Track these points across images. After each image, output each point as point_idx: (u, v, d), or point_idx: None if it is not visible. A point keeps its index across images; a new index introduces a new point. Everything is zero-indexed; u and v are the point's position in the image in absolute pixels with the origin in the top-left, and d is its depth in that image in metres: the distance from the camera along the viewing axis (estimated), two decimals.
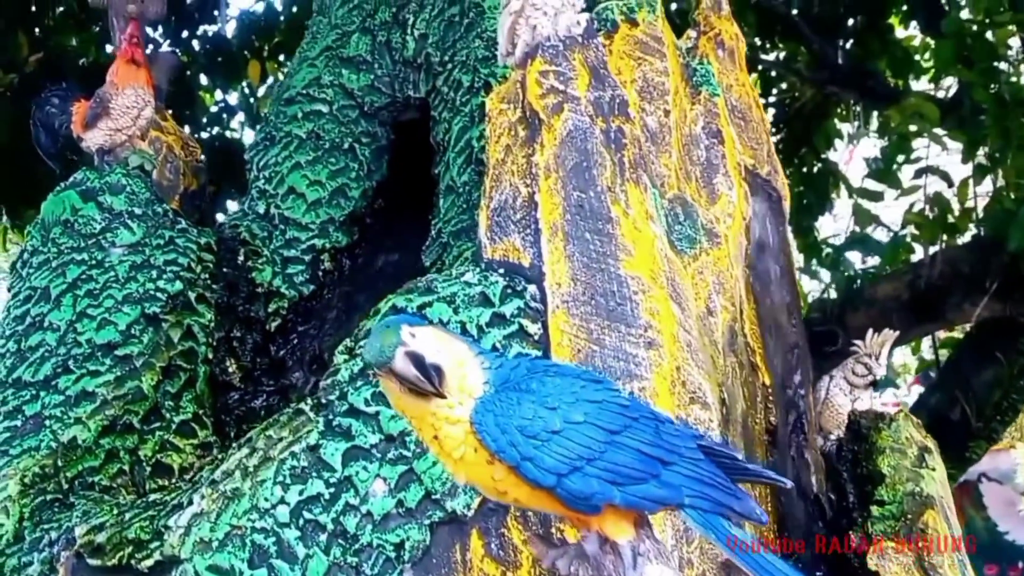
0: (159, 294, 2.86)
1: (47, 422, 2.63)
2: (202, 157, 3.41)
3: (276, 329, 3.07)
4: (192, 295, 2.91)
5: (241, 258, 3.05)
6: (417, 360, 1.46)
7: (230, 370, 2.96)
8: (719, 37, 3.20)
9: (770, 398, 2.66)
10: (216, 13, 8.69)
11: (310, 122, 3.24)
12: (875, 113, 6.39)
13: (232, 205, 7.23)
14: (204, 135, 8.33)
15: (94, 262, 2.87)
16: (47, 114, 3.18)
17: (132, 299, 2.83)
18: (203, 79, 8.76)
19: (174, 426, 2.76)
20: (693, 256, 2.56)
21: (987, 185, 5.01)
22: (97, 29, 7.67)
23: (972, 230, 4.91)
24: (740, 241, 2.76)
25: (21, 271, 2.93)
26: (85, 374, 2.71)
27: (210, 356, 2.91)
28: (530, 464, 1.49)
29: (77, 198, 2.94)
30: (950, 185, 5.02)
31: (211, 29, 8.86)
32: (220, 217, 5.36)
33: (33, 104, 3.27)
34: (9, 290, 2.94)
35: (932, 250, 4.77)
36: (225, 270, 3.02)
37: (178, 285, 2.89)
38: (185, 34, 8.89)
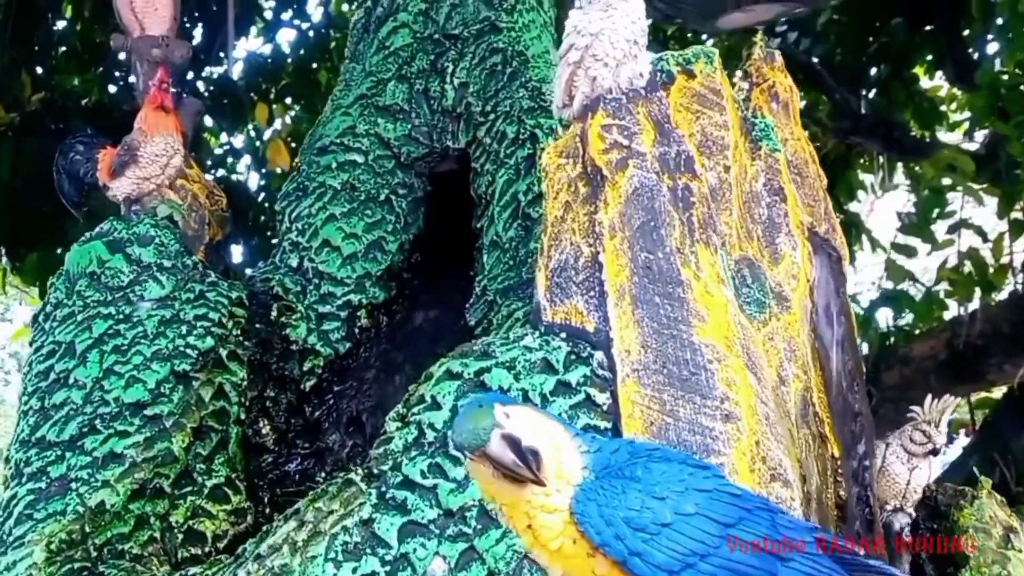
0: (189, 351, 2.75)
1: (73, 484, 2.51)
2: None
3: (311, 389, 2.95)
4: (224, 352, 2.80)
5: (274, 314, 2.94)
6: (514, 444, 1.35)
7: (263, 432, 2.84)
8: (773, 89, 3.12)
9: (839, 470, 2.55)
10: (223, 56, 8.67)
11: (345, 172, 3.14)
12: (899, 165, 6.35)
13: (236, 249, 7.14)
14: (208, 178, 8.19)
15: (121, 316, 2.75)
16: (71, 161, 3.07)
17: (161, 356, 2.72)
18: (208, 121, 8.73)
19: (206, 491, 2.63)
20: (763, 321, 2.47)
21: None
22: (100, 70, 7.62)
23: (1009, 287, 4.83)
24: (805, 304, 2.66)
25: (44, 324, 2.81)
26: (113, 434, 2.58)
27: (242, 416, 2.78)
28: (638, 560, 1.39)
29: (104, 249, 2.82)
30: (985, 240, 4.95)
31: (217, 71, 8.84)
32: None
33: (57, 151, 3.16)
34: (31, 344, 2.81)
35: (971, 307, 4.69)
36: (258, 326, 2.90)
37: (209, 341, 2.77)
38: (191, 75, 8.85)
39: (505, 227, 2.92)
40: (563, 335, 2.29)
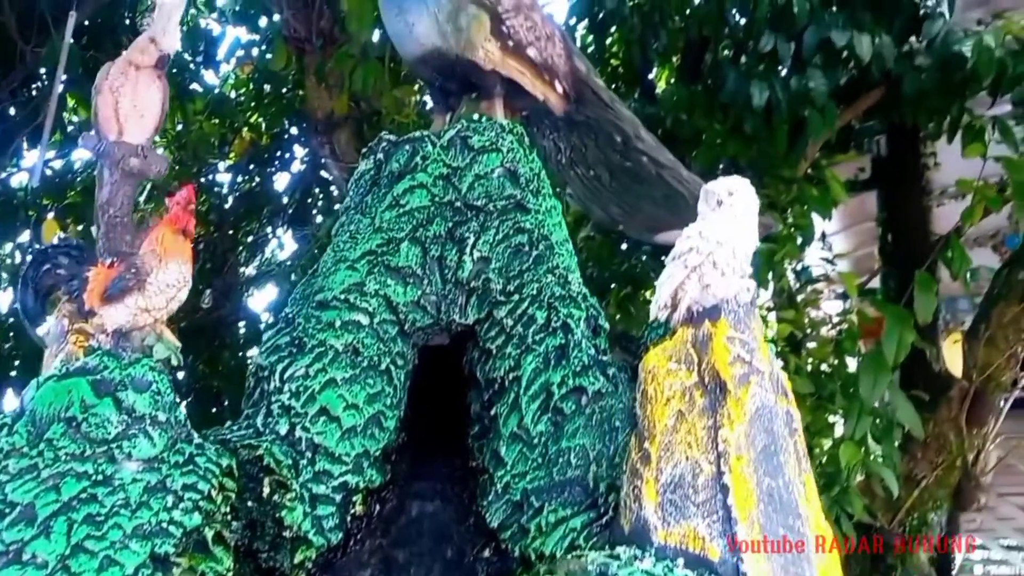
0: (173, 528, 2.21)
1: None
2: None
3: None
4: (209, 533, 2.27)
5: (266, 490, 2.41)
6: None
7: None
8: None
9: None
10: (13, 162, 7.96)
11: (349, 333, 2.73)
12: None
13: None
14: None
15: (101, 477, 2.17)
16: (47, 274, 2.46)
17: (142, 532, 2.16)
18: None
19: None
20: None
21: None
22: None
23: None
24: None
25: None
26: None
27: None
28: None
29: (89, 390, 2.25)
30: None
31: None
32: None
33: (30, 258, 2.53)
34: None
35: None
36: (249, 504, 2.38)
37: (196, 518, 2.25)
38: None
39: (534, 420, 2.63)
40: (681, 561, 2.04)
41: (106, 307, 2.36)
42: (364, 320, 2.77)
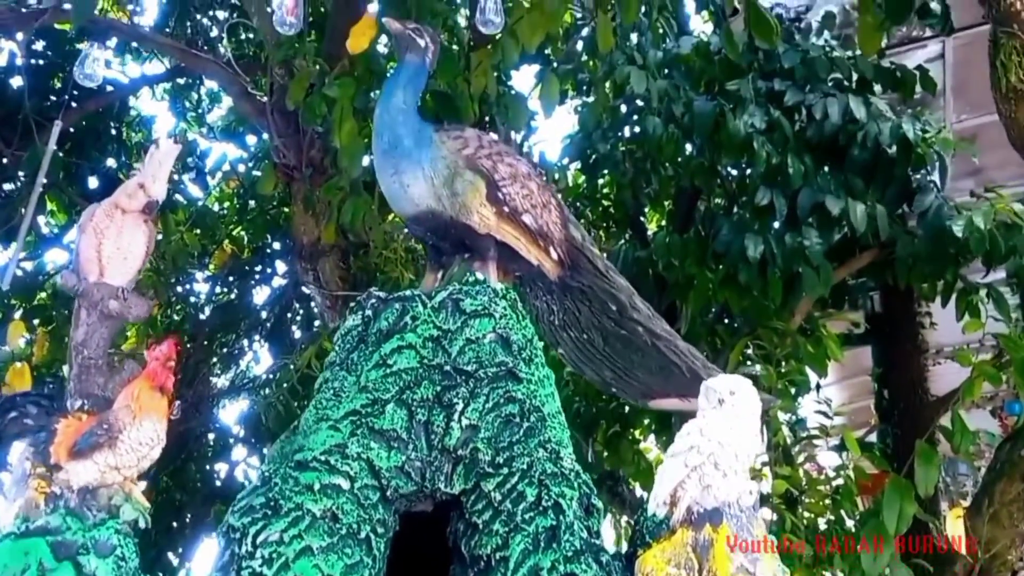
0: None
1: None
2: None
3: None
4: None
5: None
6: None
7: None
8: None
9: None
10: None
11: (328, 498, 2.68)
12: (623, 519, 7.02)
13: None
14: None
15: None
16: (13, 422, 2.41)
17: None
18: None
19: None
20: None
21: None
22: None
23: None
24: None
25: None
26: None
27: None
28: None
29: (48, 553, 2.19)
30: None
31: None
32: None
33: None
34: None
35: None
36: None
37: None
38: None
39: None
40: None
41: (74, 462, 2.31)
42: (345, 484, 2.72)
